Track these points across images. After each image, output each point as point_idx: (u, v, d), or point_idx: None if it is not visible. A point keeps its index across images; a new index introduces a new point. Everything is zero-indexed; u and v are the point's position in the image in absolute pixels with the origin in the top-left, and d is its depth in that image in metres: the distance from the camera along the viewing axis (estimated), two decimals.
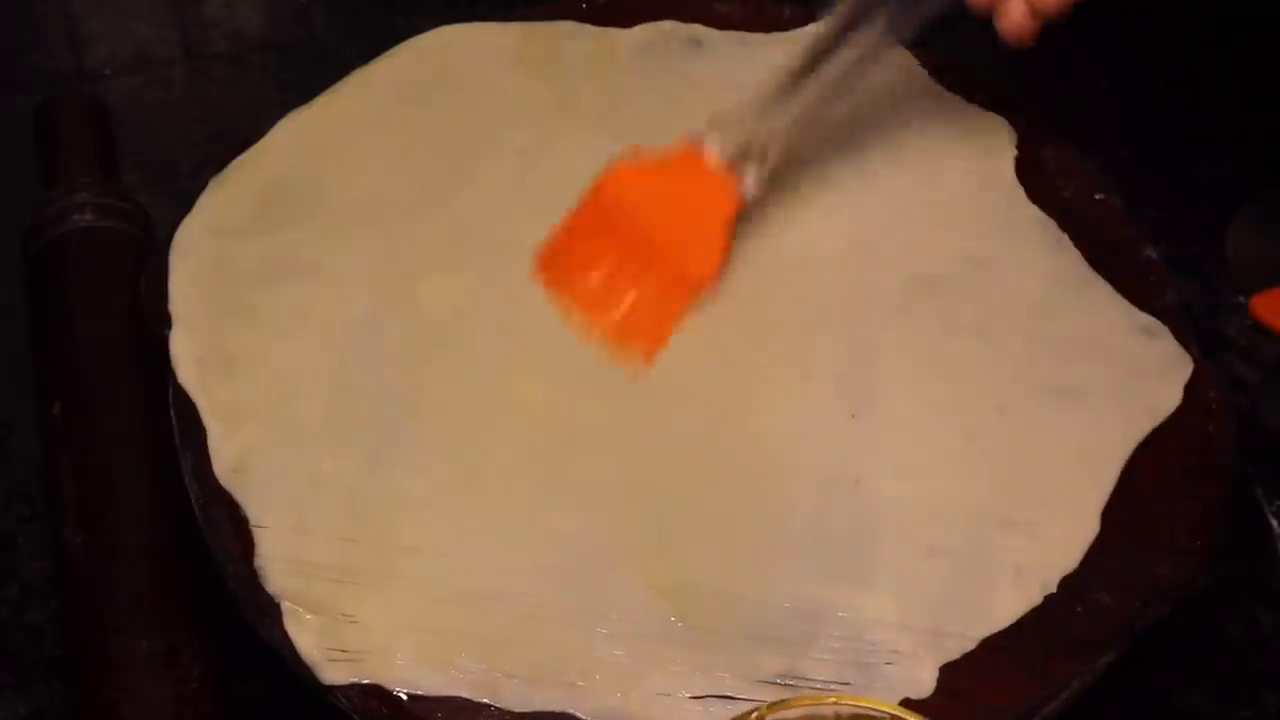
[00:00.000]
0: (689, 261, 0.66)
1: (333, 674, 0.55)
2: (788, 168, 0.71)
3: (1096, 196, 0.71)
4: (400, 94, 0.74)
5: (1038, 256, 0.69)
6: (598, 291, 0.65)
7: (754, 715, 0.47)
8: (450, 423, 0.62)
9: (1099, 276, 0.68)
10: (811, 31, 0.67)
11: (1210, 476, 0.61)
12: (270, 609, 0.56)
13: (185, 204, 0.69)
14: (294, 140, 0.71)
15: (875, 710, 0.47)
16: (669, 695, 0.55)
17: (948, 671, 0.55)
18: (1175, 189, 0.81)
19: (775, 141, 0.67)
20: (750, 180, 0.67)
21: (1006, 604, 0.57)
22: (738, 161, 0.67)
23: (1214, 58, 0.89)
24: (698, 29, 0.77)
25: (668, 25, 0.77)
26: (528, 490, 0.60)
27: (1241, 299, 0.77)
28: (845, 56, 0.66)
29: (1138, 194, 0.73)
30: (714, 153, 0.67)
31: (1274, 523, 0.68)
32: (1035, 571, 0.58)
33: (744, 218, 0.68)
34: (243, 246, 0.67)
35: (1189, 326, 0.66)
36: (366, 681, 0.55)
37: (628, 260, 0.66)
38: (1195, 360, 0.64)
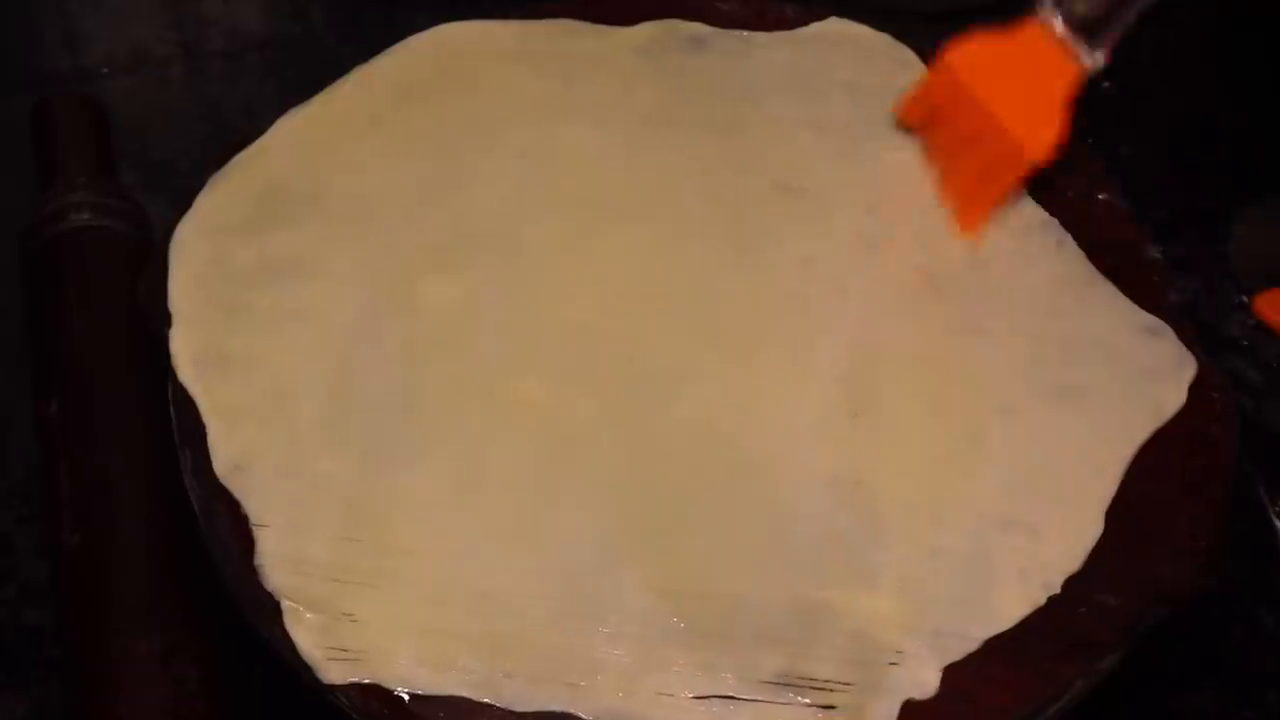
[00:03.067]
0: (1022, 138, 0.66)
1: (333, 673, 0.54)
2: (790, 168, 0.71)
3: (1099, 196, 0.71)
4: (400, 92, 0.73)
5: (1040, 256, 0.69)
6: (943, 149, 0.68)
7: None
8: (450, 422, 0.61)
9: (1101, 276, 0.68)
10: None
11: (1214, 477, 0.61)
12: (270, 608, 0.56)
13: (183, 203, 0.68)
14: (293, 139, 0.71)
15: None
16: (671, 695, 0.55)
17: (951, 672, 0.55)
18: (1178, 188, 0.81)
19: (1121, 5, 0.65)
20: (1094, 51, 0.65)
21: (1010, 604, 0.57)
22: (1081, 32, 0.65)
23: (1218, 56, 0.89)
24: (699, 27, 0.77)
25: (669, 23, 0.77)
26: (528, 490, 0.60)
27: (1245, 298, 0.77)
28: None
29: (1141, 193, 0.73)
30: (1055, 23, 0.65)
31: (1278, 523, 0.68)
32: (1038, 572, 0.57)
33: (746, 219, 0.68)
34: (242, 245, 0.67)
35: (1193, 327, 0.66)
36: (367, 681, 0.54)
37: (963, 133, 0.67)
38: (1199, 360, 0.64)
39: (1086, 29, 0.65)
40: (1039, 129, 0.66)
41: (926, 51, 0.76)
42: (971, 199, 0.68)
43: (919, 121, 0.70)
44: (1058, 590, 0.57)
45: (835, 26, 0.77)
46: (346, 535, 0.58)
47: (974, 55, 0.68)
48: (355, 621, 0.55)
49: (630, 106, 0.73)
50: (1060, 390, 0.63)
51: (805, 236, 0.69)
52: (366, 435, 0.61)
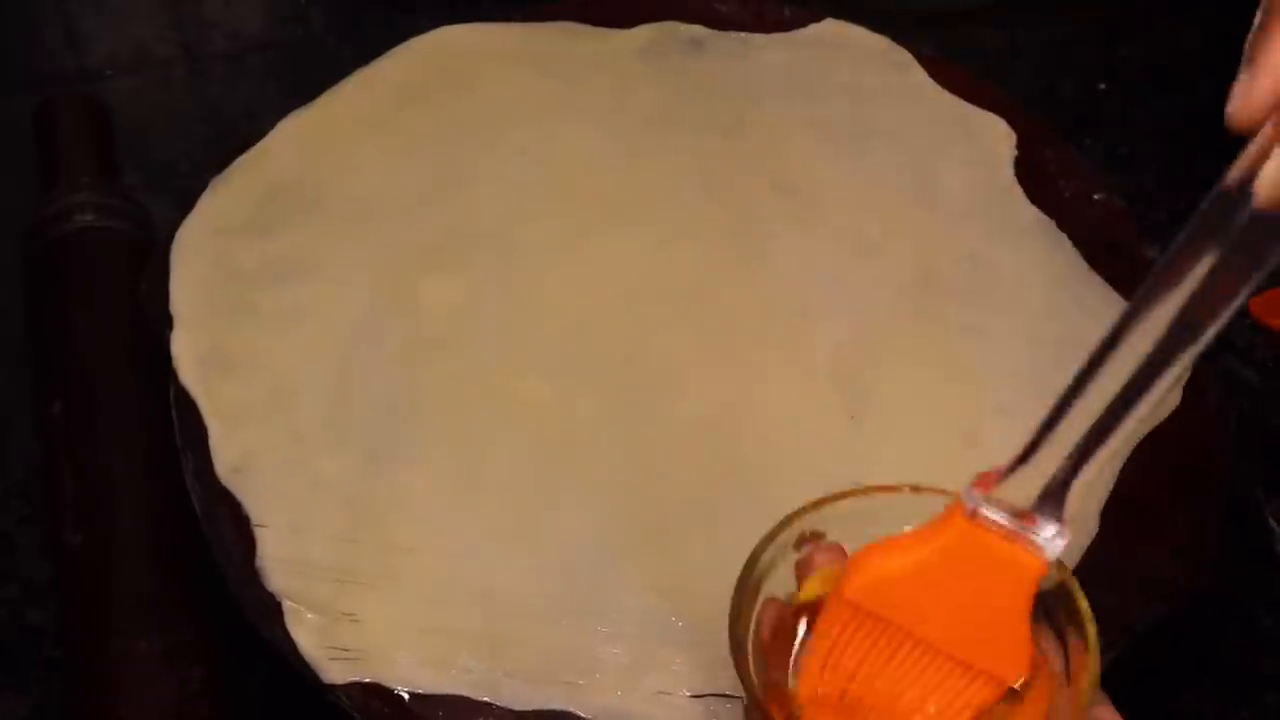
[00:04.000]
0: (992, 661, 0.48)
1: (334, 673, 0.55)
2: (789, 169, 0.71)
3: (1096, 197, 0.71)
4: (401, 94, 0.74)
5: (1037, 257, 0.69)
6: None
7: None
8: (451, 422, 0.62)
9: (1098, 277, 0.68)
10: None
11: (1209, 477, 0.61)
12: (271, 608, 0.56)
13: (185, 204, 0.68)
14: (294, 140, 0.71)
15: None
16: (669, 694, 0.55)
17: None
18: (1175, 189, 0.81)
19: (1075, 466, 0.47)
20: (1050, 531, 0.47)
21: None
22: (1028, 519, 0.47)
23: (1213, 57, 0.89)
24: (699, 29, 0.77)
25: (668, 25, 0.77)
26: (528, 490, 0.60)
27: None
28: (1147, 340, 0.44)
29: (1137, 194, 0.73)
30: (995, 521, 0.47)
31: (1273, 523, 0.68)
32: None
33: (745, 220, 0.68)
34: (244, 246, 0.67)
35: None
36: (367, 680, 0.55)
37: (912, 675, 0.48)
38: (1194, 361, 0.64)
39: (1042, 504, 0.47)
40: (1002, 656, 0.47)
41: (924, 56, 0.76)
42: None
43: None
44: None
45: (833, 28, 0.78)
46: (347, 536, 0.58)
47: (890, 583, 0.47)
48: (356, 622, 0.56)
49: (630, 108, 0.73)
50: (1057, 391, 0.63)
51: (804, 237, 0.69)
52: (367, 435, 0.61)
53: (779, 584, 0.49)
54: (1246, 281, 0.42)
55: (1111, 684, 0.56)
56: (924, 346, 0.65)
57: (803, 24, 0.77)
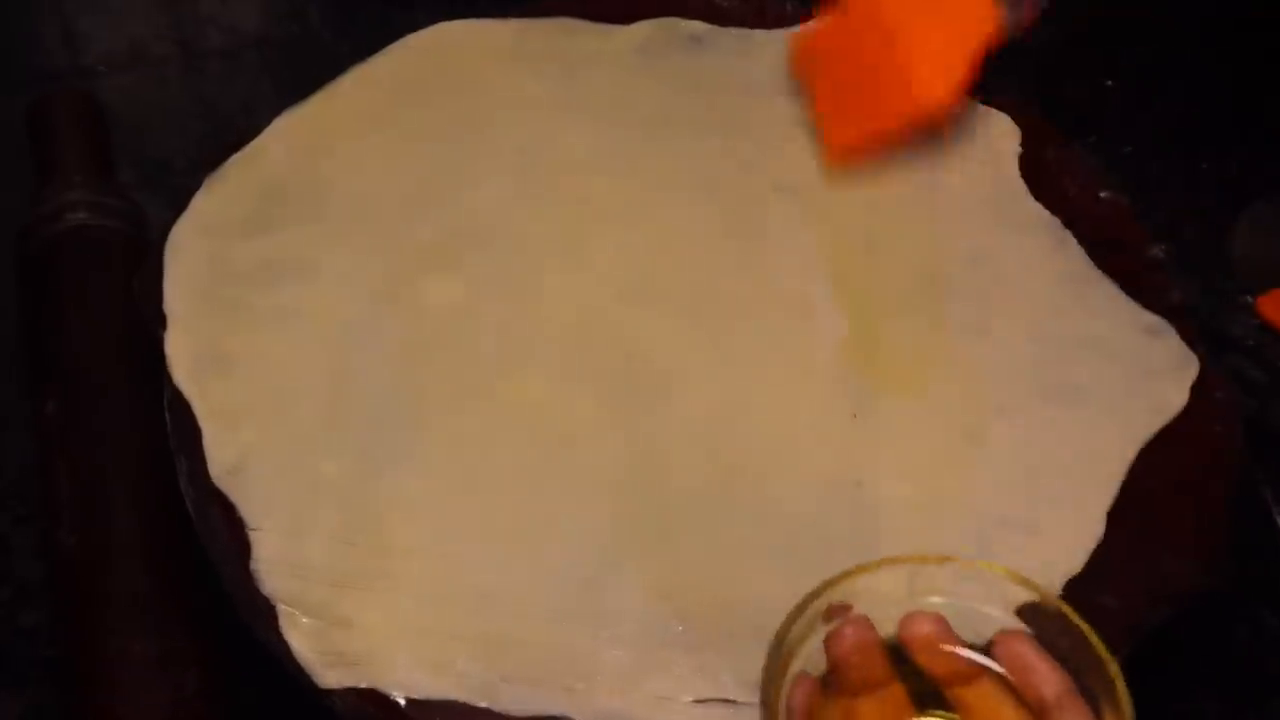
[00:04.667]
0: (919, 83, 0.64)
1: (329, 678, 0.54)
2: (789, 168, 0.71)
3: (1101, 195, 0.71)
4: (398, 92, 0.73)
5: (1041, 255, 0.68)
6: (832, 94, 0.66)
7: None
8: (449, 423, 0.61)
9: (1103, 275, 0.68)
10: None
11: (1217, 478, 0.61)
12: (266, 612, 0.56)
13: (180, 202, 0.68)
14: (291, 138, 0.71)
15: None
16: (669, 698, 0.54)
17: None
18: (1181, 187, 0.81)
19: None
20: (1013, 9, 0.64)
21: None
22: None
23: (1220, 56, 0.89)
24: (698, 25, 0.77)
25: (668, 22, 0.77)
26: (527, 491, 0.59)
27: (1248, 298, 0.77)
28: None
29: (1142, 192, 0.73)
30: None
31: None
32: (1039, 572, 0.57)
33: (745, 219, 0.68)
34: (239, 245, 0.66)
35: (1195, 326, 0.66)
36: (363, 685, 0.54)
37: (865, 69, 0.65)
38: (1201, 360, 0.64)
39: None
40: (936, 73, 0.63)
41: None
42: (850, 128, 0.66)
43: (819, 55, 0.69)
44: (1059, 591, 0.57)
45: None
46: (343, 538, 0.57)
47: None
48: (352, 626, 0.55)
49: (629, 106, 0.73)
50: (1061, 390, 0.63)
51: (805, 235, 0.68)
52: (364, 436, 0.61)
53: (809, 658, 0.49)
54: None
55: None
56: (926, 345, 0.65)
57: (803, 20, 0.77)
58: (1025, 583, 0.49)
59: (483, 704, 0.54)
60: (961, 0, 0.64)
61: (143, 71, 0.89)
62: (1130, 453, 0.61)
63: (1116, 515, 0.59)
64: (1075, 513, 0.59)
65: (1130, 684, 0.51)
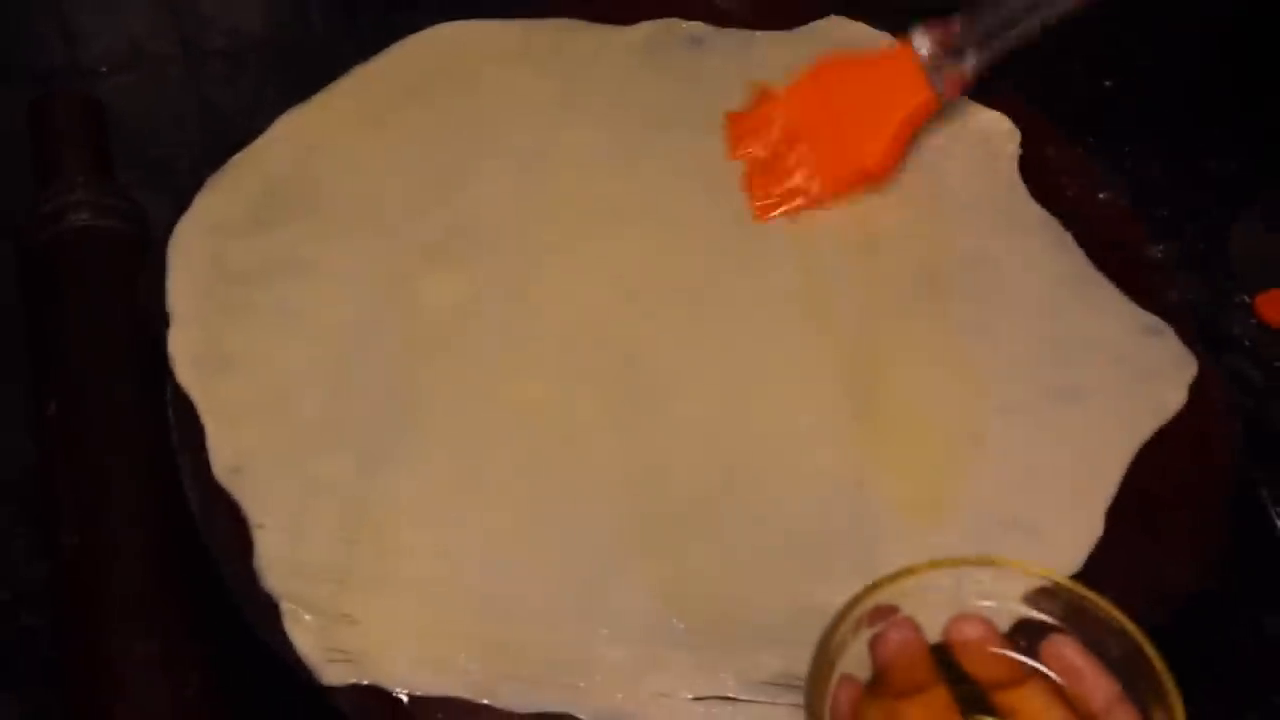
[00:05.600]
0: (857, 151, 0.69)
1: (332, 675, 0.54)
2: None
3: (1100, 195, 0.71)
4: (399, 92, 0.73)
5: (1041, 256, 0.68)
6: (765, 160, 0.70)
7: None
8: (450, 423, 0.61)
9: (1103, 276, 0.68)
10: None
11: (1215, 478, 0.61)
12: (269, 610, 0.56)
13: (182, 202, 0.68)
14: (292, 138, 0.71)
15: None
16: (669, 696, 0.54)
17: None
18: (1180, 188, 0.81)
19: (980, 44, 0.69)
20: (945, 81, 0.69)
21: None
22: (939, 60, 0.69)
23: (1219, 56, 0.89)
24: (699, 26, 0.77)
25: (669, 22, 0.77)
26: (528, 491, 0.60)
27: (1247, 298, 0.77)
28: None
29: (1142, 193, 0.73)
30: (918, 49, 0.69)
31: (1279, 524, 0.68)
32: None
33: (746, 219, 0.68)
34: (241, 245, 0.67)
35: (1194, 326, 0.66)
36: (366, 682, 0.54)
37: (800, 138, 0.70)
38: (1200, 360, 0.64)
39: (938, 58, 0.69)
40: (879, 145, 0.69)
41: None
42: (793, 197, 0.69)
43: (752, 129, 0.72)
44: None
45: (835, 25, 0.77)
46: (346, 536, 0.58)
47: (830, 71, 0.71)
48: (354, 623, 0.55)
49: (630, 106, 0.73)
50: (1061, 390, 0.63)
51: (805, 235, 0.68)
52: (366, 435, 0.61)
53: (854, 661, 0.49)
54: None
55: None
56: (927, 345, 0.65)
57: (803, 21, 0.77)
58: (1075, 587, 0.49)
59: (484, 701, 0.54)
60: (893, 76, 0.70)
61: (144, 71, 0.89)
62: (1129, 453, 0.61)
63: (1115, 515, 0.59)
64: (1074, 512, 0.59)
65: None
